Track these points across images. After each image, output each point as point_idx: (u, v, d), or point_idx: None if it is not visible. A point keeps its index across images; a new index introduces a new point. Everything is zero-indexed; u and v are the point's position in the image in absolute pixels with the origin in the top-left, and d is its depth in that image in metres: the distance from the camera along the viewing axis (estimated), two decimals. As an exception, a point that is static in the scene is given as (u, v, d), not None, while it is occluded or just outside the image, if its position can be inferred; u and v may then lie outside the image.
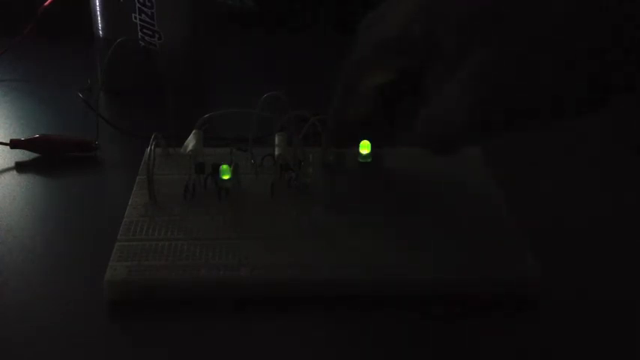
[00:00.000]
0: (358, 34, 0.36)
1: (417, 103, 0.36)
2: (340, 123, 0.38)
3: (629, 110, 0.30)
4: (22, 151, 0.45)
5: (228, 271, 0.34)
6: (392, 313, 0.34)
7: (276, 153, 0.40)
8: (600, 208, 0.41)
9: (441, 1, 0.30)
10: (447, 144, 0.32)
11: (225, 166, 0.38)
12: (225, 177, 0.38)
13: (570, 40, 0.28)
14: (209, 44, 0.55)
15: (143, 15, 0.50)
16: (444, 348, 0.32)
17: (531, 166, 0.44)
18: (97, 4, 0.51)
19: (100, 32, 0.52)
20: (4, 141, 0.45)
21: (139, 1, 0.50)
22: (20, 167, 0.44)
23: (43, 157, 0.45)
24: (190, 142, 0.40)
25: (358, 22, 0.37)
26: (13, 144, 0.45)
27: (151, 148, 0.38)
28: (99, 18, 0.51)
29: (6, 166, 0.44)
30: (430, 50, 0.31)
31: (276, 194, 0.39)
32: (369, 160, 0.40)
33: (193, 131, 0.40)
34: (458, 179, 0.41)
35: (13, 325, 0.33)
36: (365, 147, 0.40)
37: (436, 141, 0.32)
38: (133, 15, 0.50)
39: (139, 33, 0.51)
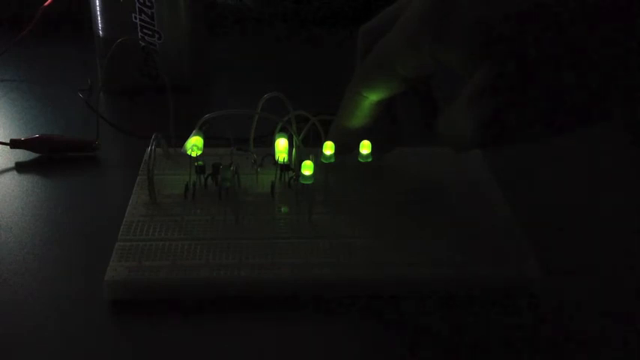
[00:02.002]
0: (360, 40, 0.36)
1: (422, 111, 0.36)
2: (343, 133, 0.38)
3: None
4: (22, 151, 0.45)
5: (228, 271, 0.34)
6: (392, 313, 0.34)
7: (276, 153, 0.40)
8: (601, 207, 0.41)
9: (446, 14, 0.30)
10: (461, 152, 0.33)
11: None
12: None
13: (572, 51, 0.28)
14: (209, 44, 0.55)
15: (143, 15, 0.50)
16: (444, 347, 0.32)
17: (531, 165, 0.44)
18: (97, 4, 0.51)
19: (100, 32, 0.52)
20: (4, 141, 0.45)
21: (139, 1, 0.50)
22: (20, 167, 0.44)
23: (43, 157, 0.45)
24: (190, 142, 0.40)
25: (356, 21, 0.37)
26: (13, 144, 0.45)
27: (151, 148, 0.38)
28: (99, 18, 0.51)
29: (6, 166, 0.44)
30: (438, 64, 0.31)
31: (276, 194, 0.39)
32: (369, 159, 0.40)
33: (194, 131, 0.40)
34: (458, 179, 0.41)
35: (13, 325, 0.33)
36: (365, 147, 0.40)
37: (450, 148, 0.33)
38: (133, 15, 0.50)
39: (139, 33, 0.51)
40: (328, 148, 0.40)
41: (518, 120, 0.29)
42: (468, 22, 0.29)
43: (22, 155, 0.45)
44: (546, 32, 0.28)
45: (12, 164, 0.44)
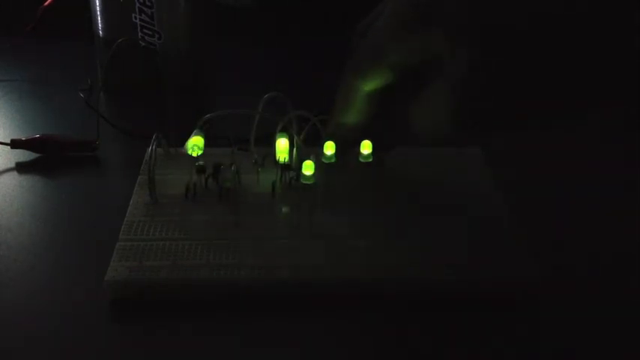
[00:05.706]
0: (354, 40, 0.36)
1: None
2: (340, 128, 0.38)
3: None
4: (23, 151, 0.45)
5: (228, 271, 0.34)
6: (392, 314, 0.34)
7: (277, 153, 0.40)
8: (600, 207, 0.41)
9: (435, 6, 0.30)
10: (440, 142, 0.33)
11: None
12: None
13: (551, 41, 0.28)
14: (209, 44, 0.55)
15: (143, 15, 0.50)
16: (443, 348, 0.32)
17: (531, 165, 0.44)
18: (97, 4, 0.51)
19: (100, 32, 0.52)
20: (4, 141, 0.45)
21: (139, 1, 0.50)
22: (20, 167, 0.44)
23: (43, 157, 0.45)
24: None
25: (356, 21, 0.37)
26: (14, 144, 0.45)
27: (152, 148, 0.38)
28: (99, 18, 0.51)
29: (6, 166, 0.44)
30: (427, 55, 0.32)
31: (276, 194, 0.39)
32: (369, 159, 0.40)
33: (194, 131, 0.40)
34: (458, 179, 0.41)
35: (14, 326, 0.33)
36: (366, 147, 0.40)
37: (430, 140, 0.32)
38: (133, 15, 0.50)
39: (139, 33, 0.51)
40: (329, 148, 0.40)
41: (498, 106, 0.29)
42: (454, 12, 0.29)
43: (22, 155, 0.45)
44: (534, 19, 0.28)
45: (12, 164, 0.44)
